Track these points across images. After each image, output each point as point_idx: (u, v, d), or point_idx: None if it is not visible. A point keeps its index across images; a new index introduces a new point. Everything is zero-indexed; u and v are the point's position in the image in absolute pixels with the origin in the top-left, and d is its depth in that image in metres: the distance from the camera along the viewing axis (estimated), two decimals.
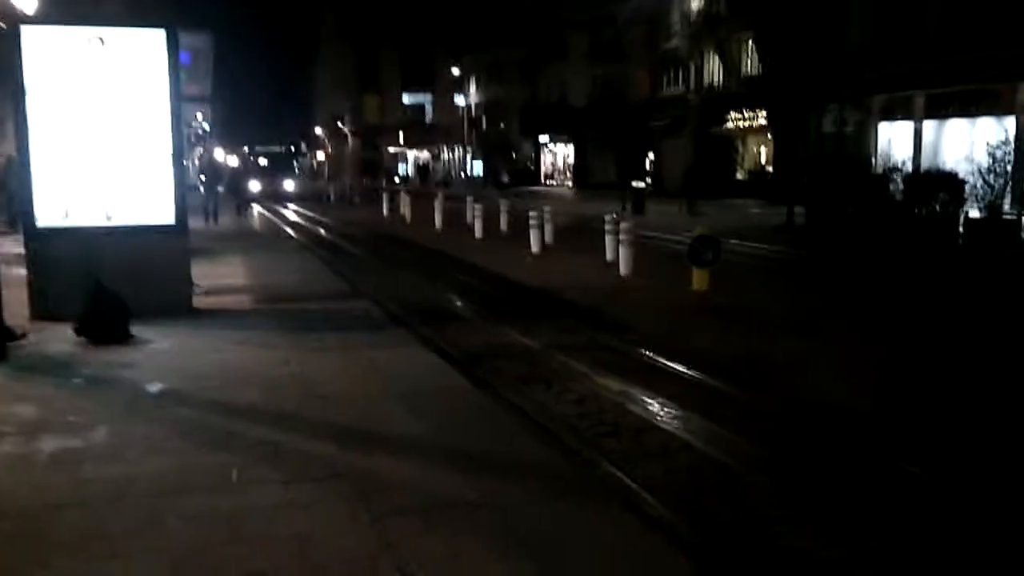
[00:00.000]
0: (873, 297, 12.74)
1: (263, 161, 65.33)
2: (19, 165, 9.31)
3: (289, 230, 25.60)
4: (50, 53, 8.99)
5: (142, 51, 9.30)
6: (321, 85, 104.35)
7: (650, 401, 7.04)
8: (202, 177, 27.68)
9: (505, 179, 58.72)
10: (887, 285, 14.00)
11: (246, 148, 60.70)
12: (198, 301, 10.14)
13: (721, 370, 7.93)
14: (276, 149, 65.36)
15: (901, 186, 20.31)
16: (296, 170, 66.32)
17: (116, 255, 9.09)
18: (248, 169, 52.12)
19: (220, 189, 27.10)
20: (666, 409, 6.82)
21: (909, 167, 21.87)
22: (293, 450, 5.18)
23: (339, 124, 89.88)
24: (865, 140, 30.35)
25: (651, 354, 8.60)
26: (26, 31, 9.04)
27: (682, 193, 30.85)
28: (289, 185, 56.29)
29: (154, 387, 6.61)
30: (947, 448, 6.01)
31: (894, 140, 28.99)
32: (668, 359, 8.34)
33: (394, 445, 5.26)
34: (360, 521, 4.15)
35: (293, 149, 65.62)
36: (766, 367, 8.26)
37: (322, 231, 25.65)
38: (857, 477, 5.45)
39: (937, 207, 19.00)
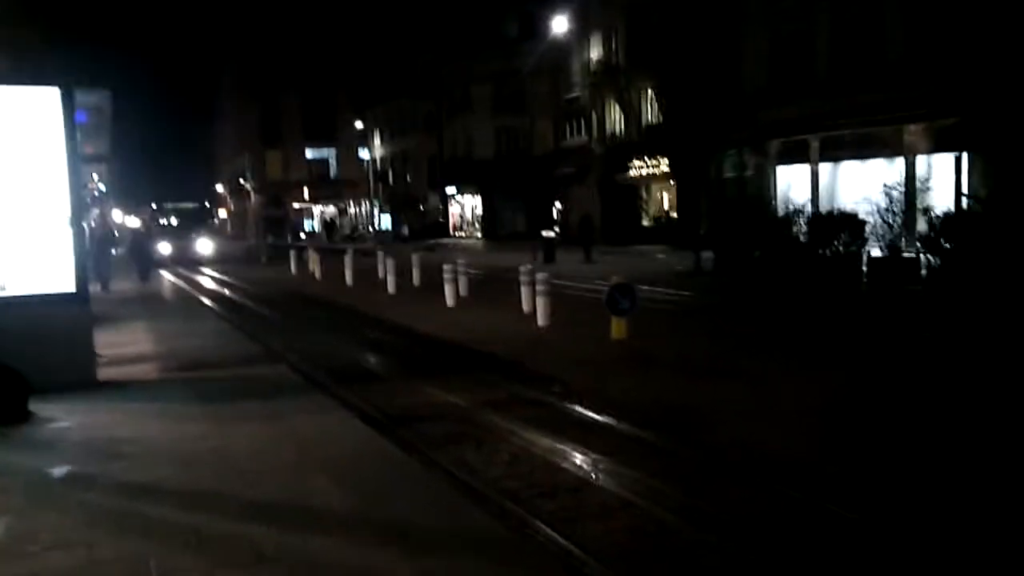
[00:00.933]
0: (787, 338, 12.93)
1: (174, 220, 57.10)
2: None
3: (194, 292, 24.82)
4: None
5: (35, 109, 8.87)
6: (222, 142, 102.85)
7: (583, 457, 6.89)
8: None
9: (406, 232, 58.75)
10: (799, 326, 14.26)
11: (153, 205, 55.59)
12: (103, 373, 9.63)
13: (652, 421, 7.87)
14: (187, 205, 57.84)
15: (804, 228, 20.86)
16: (210, 229, 57.41)
17: (12, 326, 8.55)
18: (151, 231, 45.18)
19: (113, 252, 26.23)
20: (600, 465, 6.68)
21: (809, 209, 22.51)
22: (216, 534, 4.84)
23: (241, 181, 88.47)
24: (765, 183, 31.25)
25: (579, 407, 8.48)
26: None
27: (577, 242, 31.19)
28: (204, 246, 48.17)
29: (59, 470, 6.16)
30: (881, 490, 6.01)
31: (792, 183, 29.92)
32: (597, 412, 8.24)
33: (325, 522, 4.97)
34: None
35: (207, 204, 59.33)
36: (696, 415, 8.21)
37: (228, 292, 24.96)
38: (798, 525, 5.38)
39: (840, 247, 19.56)
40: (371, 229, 69.82)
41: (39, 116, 8.86)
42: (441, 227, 61.85)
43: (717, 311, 16.68)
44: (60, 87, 8.98)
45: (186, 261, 41.27)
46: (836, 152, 28.75)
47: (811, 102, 28.20)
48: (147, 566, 4.38)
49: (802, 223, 21.09)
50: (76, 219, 9.10)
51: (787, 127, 29.66)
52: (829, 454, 6.92)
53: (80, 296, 9.17)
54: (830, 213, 21.38)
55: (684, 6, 34.47)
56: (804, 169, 29.93)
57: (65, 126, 8.97)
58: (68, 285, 9.03)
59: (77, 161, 9.22)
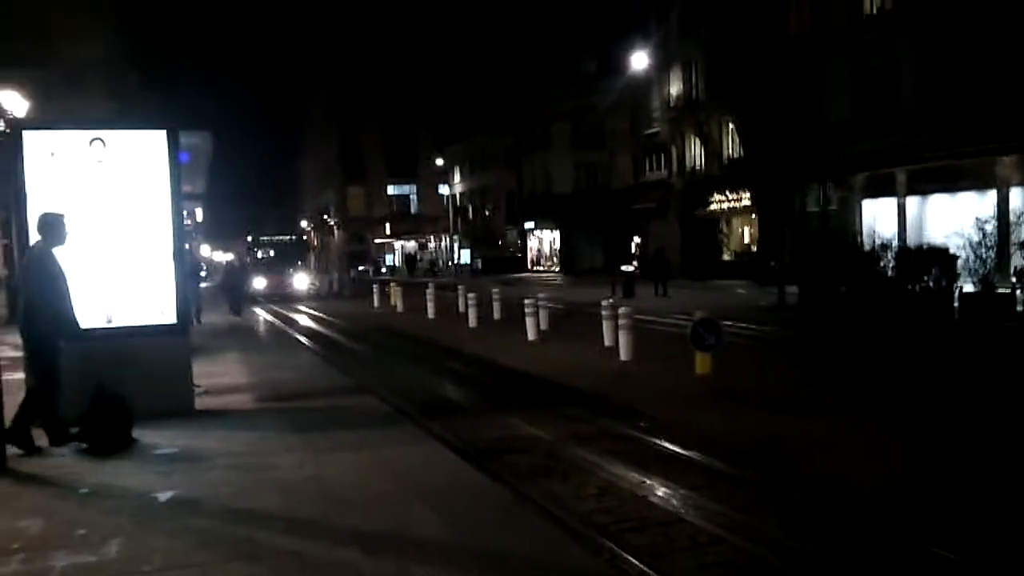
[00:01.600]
0: (876, 374, 12.68)
1: (270, 253, 53.23)
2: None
3: (281, 324, 25.43)
4: (51, 155, 8.97)
5: (142, 151, 9.30)
6: (306, 178, 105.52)
7: (671, 492, 6.89)
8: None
9: (478, 266, 59.20)
10: (889, 363, 13.95)
11: (249, 238, 51.61)
12: (200, 402, 9.96)
13: (740, 456, 7.82)
14: (285, 238, 52.40)
15: (892, 263, 20.42)
16: (307, 263, 52.64)
17: (117, 357, 8.92)
18: (245, 265, 43.17)
19: (200, 286, 26.92)
20: (689, 500, 6.67)
21: (896, 244, 22.06)
22: (317, 559, 4.98)
23: (324, 216, 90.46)
24: (849, 217, 30.77)
25: (665, 442, 8.47)
26: (28, 136, 9.06)
27: (652, 276, 31.00)
28: (301, 281, 44.81)
29: (164, 495, 6.41)
30: (980, 528, 5.87)
31: (878, 217, 29.38)
32: (684, 447, 8.21)
33: (422, 550, 5.08)
34: None
35: (304, 237, 53.58)
36: (784, 450, 8.13)
37: (314, 324, 25.51)
38: (888, 562, 5.30)
39: (930, 283, 19.08)
40: (450, 264, 70.58)
41: (147, 157, 9.30)
42: (519, 261, 62.21)
43: (803, 346, 16.45)
44: (167, 130, 9.43)
45: (280, 297, 39.65)
46: (924, 185, 28.18)
47: (897, 135, 27.74)
48: None
49: (890, 258, 20.64)
50: (178, 254, 9.48)
51: (872, 160, 29.21)
52: (919, 491, 6.79)
53: (180, 327, 9.54)
54: (919, 248, 20.89)
55: (765, 40, 34.35)
56: (890, 203, 29.40)
57: (170, 166, 9.39)
58: (170, 317, 9.39)
59: (179, 199, 9.63)
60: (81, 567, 5.00)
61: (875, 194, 30.37)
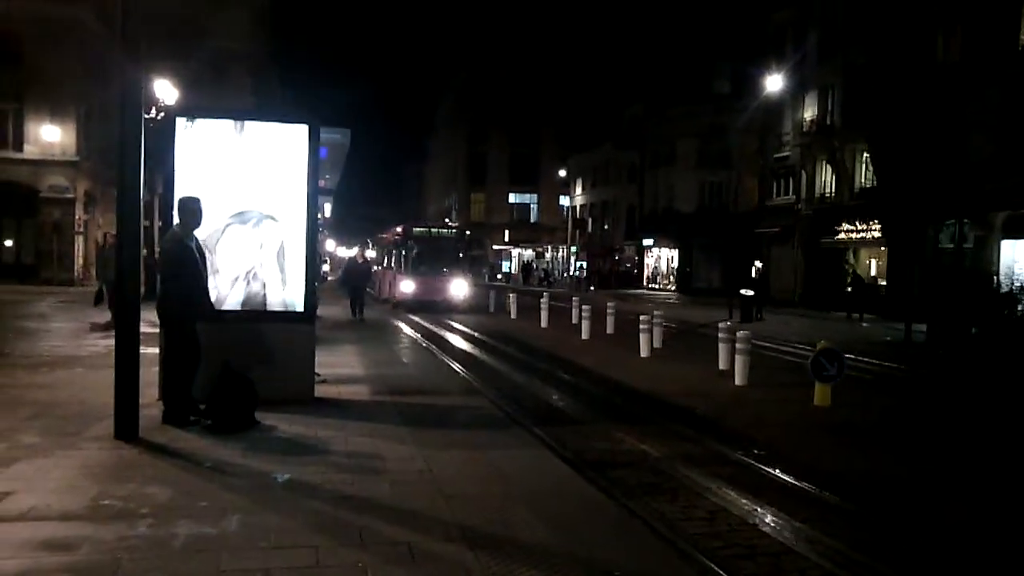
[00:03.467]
0: (1005, 419, 12.08)
1: (413, 248, 35.28)
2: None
3: (393, 320, 25.89)
4: (199, 143, 9.41)
5: (283, 144, 9.66)
6: (431, 181, 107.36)
7: (783, 523, 6.72)
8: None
9: (595, 279, 58.78)
10: (1019, 408, 13.28)
11: (400, 229, 31.31)
12: (319, 390, 10.25)
13: (855, 492, 7.58)
14: (443, 231, 36.07)
15: None
16: (468, 265, 36.73)
17: (245, 340, 9.30)
18: (368, 262, 32.75)
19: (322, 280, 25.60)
20: (801, 533, 6.49)
21: None
22: (426, 551, 5.07)
23: (447, 221, 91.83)
24: (986, 257, 29.39)
25: (779, 472, 8.26)
26: (180, 122, 9.51)
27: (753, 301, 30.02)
28: (459, 288, 32.28)
29: (282, 476, 6.62)
30: None
31: (1018, 258, 28.00)
32: (798, 478, 8.00)
33: (528, 553, 5.11)
34: None
35: (467, 233, 36.39)
36: (903, 491, 7.84)
37: (427, 323, 25.86)
38: None
39: None
40: (566, 275, 70.59)
41: (287, 150, 9.65)
42: (635, 277, 61.79)
43: (928, 386, 15.80)
44: (309, 125, 9.77)
45: (431, 306, 30.71)
46: None
47: None
48: (365, 574, 4.65)
49: None
50: (311, 245, 9.79)
51: (1016, 199, 27.84)
52: None
53: (307, 316, 9.84)
54: None
55: (909, 67, 33.20)
56: None
57: (309, 160, 9.73)
58: (298, 305, 9.71)
59: (315, 193, 9.95)
60: (203, 537, 5.21)
61: (1016, 235, 28.93)
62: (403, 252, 32.53)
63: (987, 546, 6.41)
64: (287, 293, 9.66)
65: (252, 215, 9.52)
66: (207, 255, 8.78)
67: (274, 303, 9.63)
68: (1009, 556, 6.24)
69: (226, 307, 9.38)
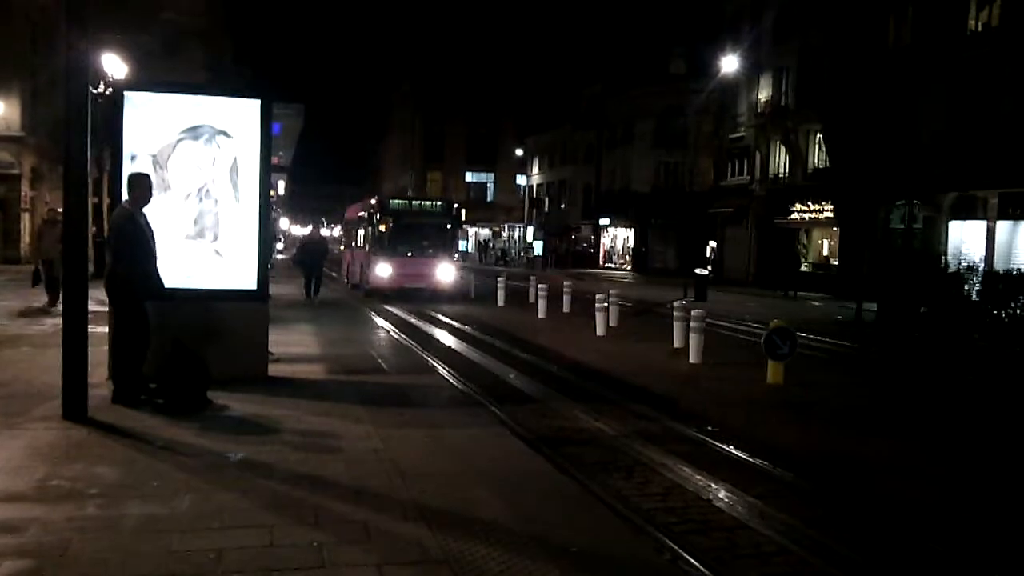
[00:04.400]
0: (952, 398, 12.33)
1: (390, 224, 29.59)
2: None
3: (352, 301, 25.67)
4: (147, 118, 9.20)
5: (235, 119, 9.48)
6: (388, 159, 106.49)
7: (737, 498, 6.78)
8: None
9: (551, 259, 58.94)
10: (967, 386, 13.56)
11: (374, 201, 25.51)
12: (273, 369, 10.14)
13: (809, 469, 7.69)
14: (429, 205, 30.02)
15: (978, 286, 19.81)
16: (458, 248, 33.13)
17: (197, 318, 9.14)
18: (323, 240, 29.35)
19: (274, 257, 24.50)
20: (755, 508, 6.56)
21: (983, 267, 21.39)
22: (383, 530, 5.03)
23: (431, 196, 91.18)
24: (935, 237, 29.95)
25: (733, 448, 8.35)
26: (129, 96, 9.30)
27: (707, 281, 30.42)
28: (446, 273, 27.97)
29: (236, 455, 6.53)
30: None
31: (965, 239, 28.55)
32: (751, 455, 8.09)
33: (487, 531, 5.09)
34: None
35: (456, 207, 28.53)
36: (856, 468, 7.97)
37: (385, 305, 25.69)
38: None
39: (1018, 309, 18.47)
40: (522, 254, 70.62)
41: (239, 125, 9.47)
42: (591, 256, 62.03)
43: (878, 364, 16.07)
44: (261, 99, 9.59)
45: (412, 294, 26.87)
46: (1017, 210, 27.24)
47: (991, 156, 26.87)
48: (320, 555, 4.60)
49: (975, 281, 20.03)
50: (263, 222, 9.65)
51: (963, 181, 28.35)
52: (991, 517, 6.58)
53: (260, 294, 9.71)
54: (1008, 272, 20.24)
55: (862, 51, 33.59)
56: (979, 225, 28.51)
57: (261, 136, 9.57)
58: (250, 283, 9.57)
59: (268, 169, 9.79)
60: (154, 517, 5.12)
61: (963, 216, 29.49)
62: (378, 230, 27.47)
63: (938, 521, 6.53)
64: (239, 270, 9.48)
65: (203, 191, 9.35)
66: (154, 231, 8.55)
67: (225, 281, 9.45)
68: (958, 531, 6.36)
69: (176, 285, 9.16)
